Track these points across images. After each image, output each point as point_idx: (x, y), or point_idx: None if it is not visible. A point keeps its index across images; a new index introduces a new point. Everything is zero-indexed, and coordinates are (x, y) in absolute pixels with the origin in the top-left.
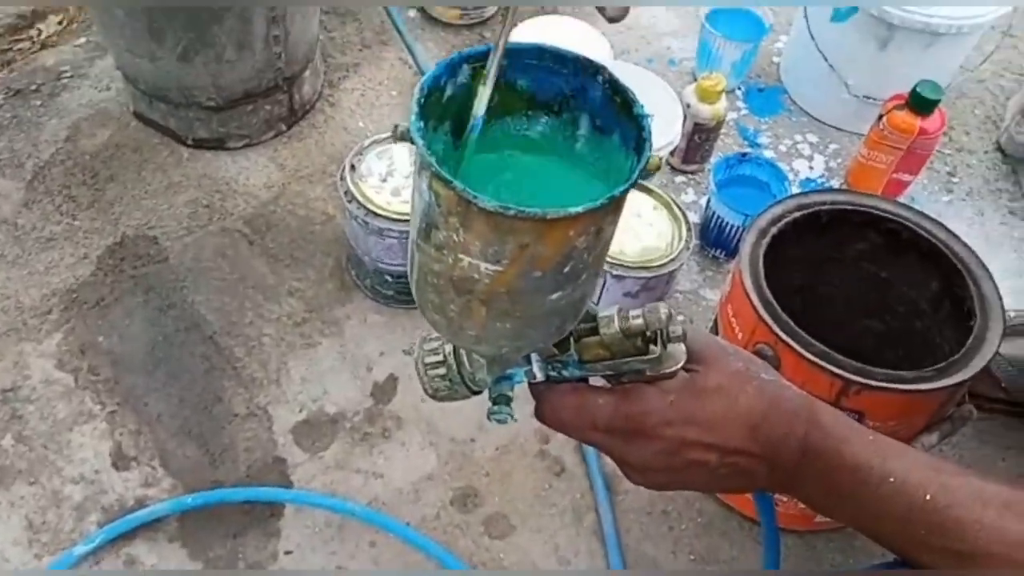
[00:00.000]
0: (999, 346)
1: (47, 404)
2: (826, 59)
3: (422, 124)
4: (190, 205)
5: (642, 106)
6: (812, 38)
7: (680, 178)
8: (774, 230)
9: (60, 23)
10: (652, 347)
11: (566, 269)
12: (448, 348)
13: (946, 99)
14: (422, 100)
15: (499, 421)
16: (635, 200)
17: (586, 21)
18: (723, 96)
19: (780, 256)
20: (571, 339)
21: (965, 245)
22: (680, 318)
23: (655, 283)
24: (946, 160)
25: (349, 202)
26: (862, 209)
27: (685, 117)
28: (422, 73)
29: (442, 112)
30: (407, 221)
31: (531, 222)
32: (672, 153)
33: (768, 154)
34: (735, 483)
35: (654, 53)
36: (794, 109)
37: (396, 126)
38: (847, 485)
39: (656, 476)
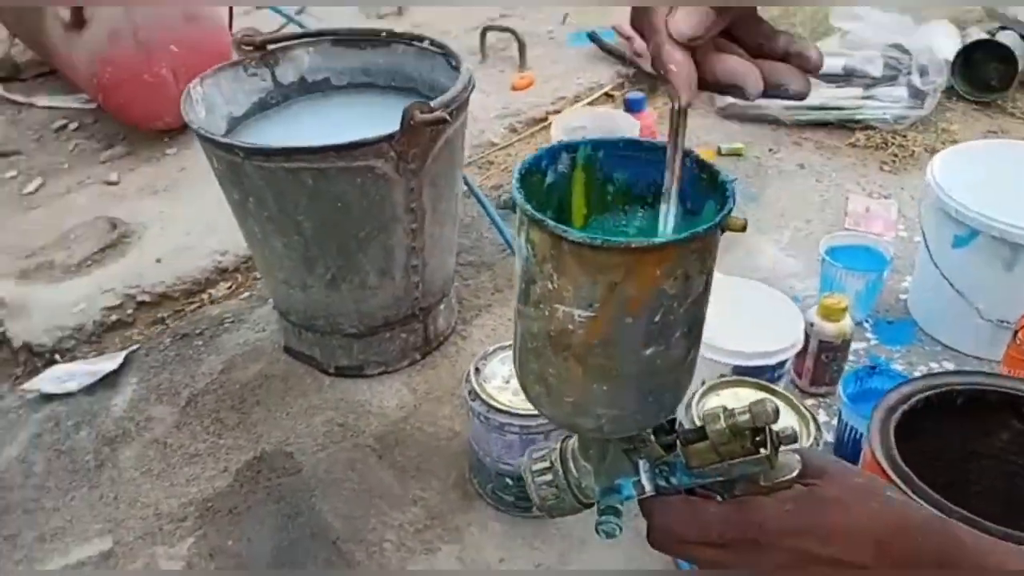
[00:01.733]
0: None
1: None
2: (952, 285)
3: (522, 192)
4: (326, 424)
5: (727, 173)
6: (936, 266)
7: (810, 401)
8: (905, 407)
9: (229, 288)
10: (763, 449)
11: (657, 318)
12: (555, 455)
13: None
14: (523, 171)
15: (607, 533)
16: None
17: None
18: (847, 314)
19: (918, 451)
20: (678, 444)
21: None
22: (790, 431)
23: None
24: None
25: (472, 400)
26: (999, 389)
27: (808, 336)
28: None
29: (543, 198)
30: (527, 415)
31: (618, 254)
32: (800, 375)
33: None
34: None
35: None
36: (926, 339)
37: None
38: None
39: None
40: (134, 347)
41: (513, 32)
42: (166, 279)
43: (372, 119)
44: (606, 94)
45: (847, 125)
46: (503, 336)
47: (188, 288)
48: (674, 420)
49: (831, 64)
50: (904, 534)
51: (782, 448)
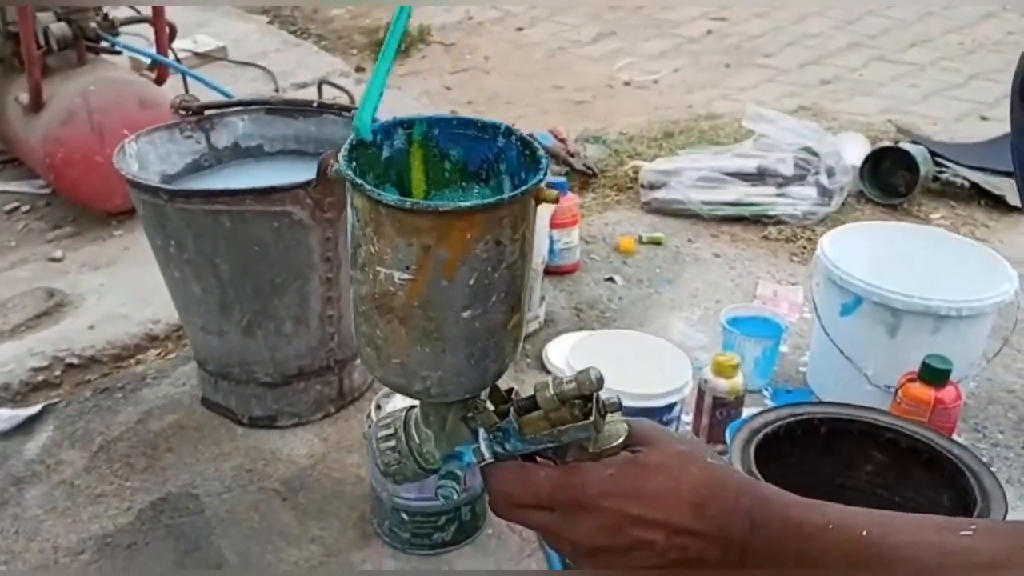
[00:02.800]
0: None
1: None
2: (842, 352)
3: (353, 164)
4: (234, 470)
5: (543, 153)
6: (826, 334)
7: None
8: (767, 430)
9: (158, 355)
10: (589, 417)
11: (471, 281)
12: (400, 423)
13: (976, 401)
14: (355, 142)
15: (445, 496)
16: None
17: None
18: (739, 371)
19: (787, 484)
20: (512, 412)
21: (961, 445)
22: (615, 398)
23: None
24: (982, 452)
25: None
26: (860, 420)
27: (703, 393)
28: None
29: (382, 171)
30: None
31: (429, 217)
32: (698, 433)
33: None
34: (693, 570)
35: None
36: None
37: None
38: (794, 546)
39: (602, 559)
40: (55, 399)
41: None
42: (96, 343)
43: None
44: None
45: (761, 220)
46: None
47: (118, 353)
48: (511, 390)
49: (746, 164)
50: (718, 496)
51: (609, 417)
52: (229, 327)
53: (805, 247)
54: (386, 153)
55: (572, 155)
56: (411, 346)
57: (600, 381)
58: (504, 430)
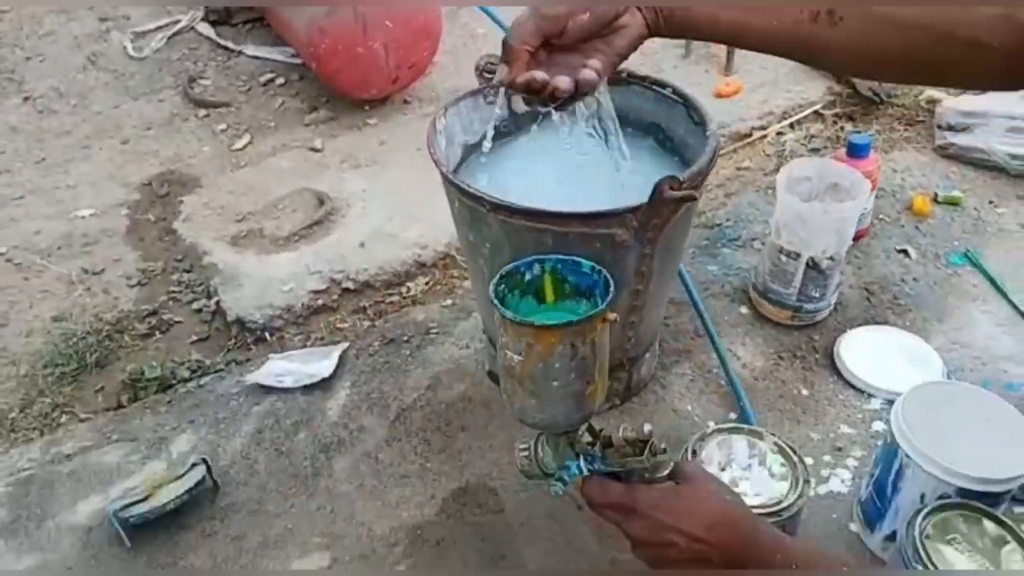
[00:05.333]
0: None
1: None
2: None
3: (503, 288)
4: None
5: (613, 289)
6: None
7: None
8: None
9: (427, 283)
10: (646, 455)
11: (557, 366)
12: (532, 442)
13: None
14: (504, 273)
15: (554, 492)
16: None
17: (919, 336)
18: None
19: None
20: (599, 445)
21: None
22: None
23: None
24: None
25: None
26: None
27: None
28: (728, 374)
29: (524, 287)
30: None
31: (528, 328)
32: None
33: None
34: (701, 566)
35: (990, 375)
36: None
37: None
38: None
39: (646, 550)
40: (345, 345)
41: None
42: (369, 267)
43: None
44: (816, 112)
45: None
46: (702, 390)
47: (388, 279)
48: (601, 430)
49: None
50: (725, 521)
51: (661, 456)
52: None
53: None
54: (527, 277)
55: None
56: (525, 398)
57: (651, 434)
58: (593, 456)
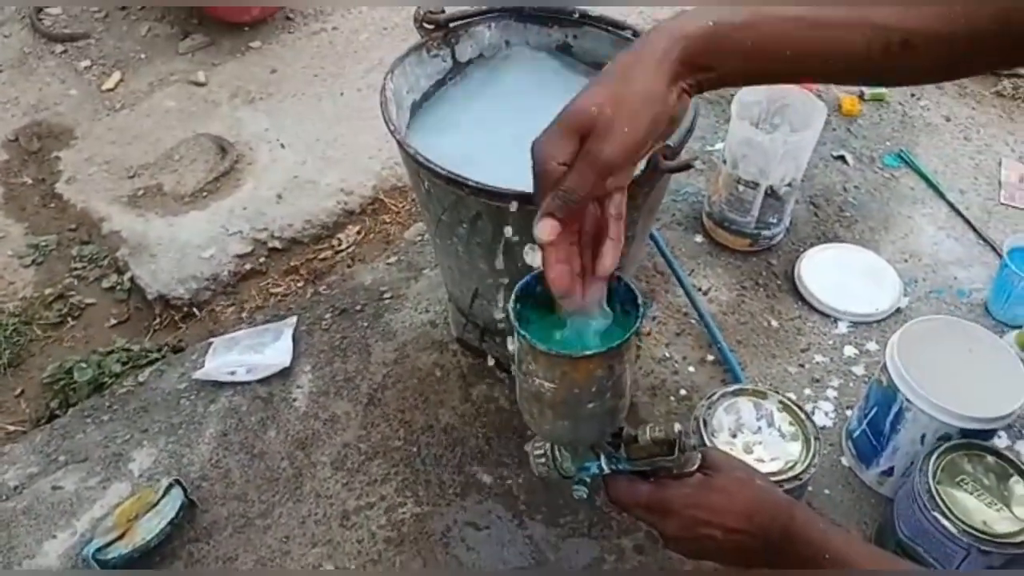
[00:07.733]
0: None
1: None
2: None
3: (518, 306)
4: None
5: (644, 301)
6: None
7: None
8: None
9: (359, 233)
10: (675, 453)
11: (593, 389)
12: (548, 445)
13: None
14: (519, 292)
15: (578, 496)
16: None
17: (871, 251)
18: None
19: None
20: (622, 443)
21: None
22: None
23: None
24: None
25: None
26: None
27: None
28: (701, 316)
29: (536, 300)
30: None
31: (565, 359)
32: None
33: None
34: (742, 557)
35: (942, 283)
36: None
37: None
38: (805, 551)
39: (681, 544)
40: (293, 320)
41: None
42: (293, 221)
43: (548, 86)
44: None
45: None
46: (675, 332)
47: (317, 233)
48: (622, 429)
49: None
50: (762, 510)
51: (689, 452)
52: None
53: None
54: (539, 290)
55: None
56: (555, 422)
57: (680, 433)
58: (617, 457)
